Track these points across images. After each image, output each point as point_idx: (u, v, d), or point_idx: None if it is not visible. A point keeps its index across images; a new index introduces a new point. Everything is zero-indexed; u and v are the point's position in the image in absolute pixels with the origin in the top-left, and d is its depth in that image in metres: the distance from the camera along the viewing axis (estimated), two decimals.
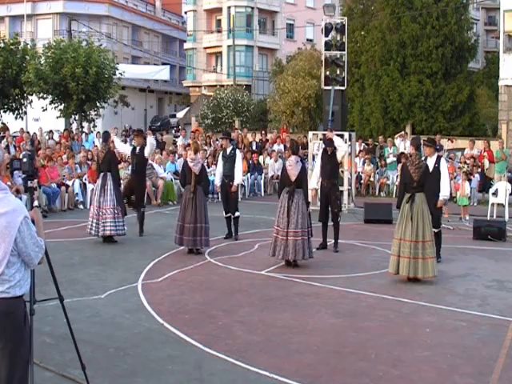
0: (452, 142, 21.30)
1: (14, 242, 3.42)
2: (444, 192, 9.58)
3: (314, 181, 10.73)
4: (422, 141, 9.89)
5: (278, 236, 9.00)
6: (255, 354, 5.64)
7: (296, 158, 9.22)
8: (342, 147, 10.93)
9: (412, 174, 8.34)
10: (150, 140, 11.91)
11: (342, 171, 16.24)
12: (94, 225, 10.71)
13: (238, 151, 11.68)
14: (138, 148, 11.87)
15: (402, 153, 18.41)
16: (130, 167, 16.02)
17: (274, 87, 34.48)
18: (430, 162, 9.59)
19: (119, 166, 16.76)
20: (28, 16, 45.37)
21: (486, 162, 18.09)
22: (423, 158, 9.73)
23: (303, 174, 9.20)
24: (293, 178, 9.08)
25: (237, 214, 11.40)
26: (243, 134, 22.39)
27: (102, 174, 10.97)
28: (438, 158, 9.74)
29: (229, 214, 11.44)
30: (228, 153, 11.40)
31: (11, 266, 3.45)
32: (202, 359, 5.50)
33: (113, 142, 13.21)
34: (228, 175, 11.31)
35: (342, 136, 15.47)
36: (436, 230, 9.59)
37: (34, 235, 3.52)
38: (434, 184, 9.41)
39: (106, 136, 11.68)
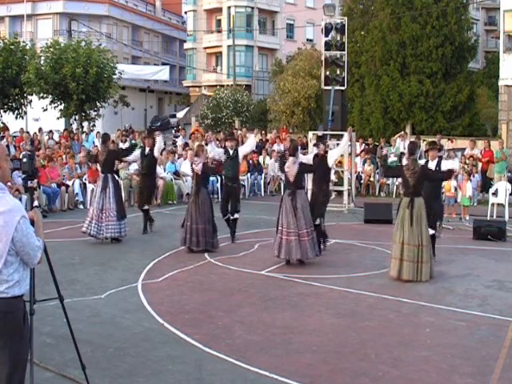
0: (452, 141, 21.28)
1: (11, 241, 3.42)
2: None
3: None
4: (420, 143, 9.92)
5: (283, 236, 8.97)
6: (255, 354, 5.64)
7: (294, 159, 9.24)
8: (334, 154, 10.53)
9: (408, 178, 8.43)
10: (159, 139, 11.91)
11: (342, 171, 16.27)
12: (95, 227, 10.67)
13: (238, 148, 11.55)
14: (147, 149, 11.92)
15: (402, 153, 18.39)
16: (129, 167, 16.11)
17: (274, 87, 34.48)
18: (432, 166, 9.63)
19: (119, 166, 16.82)
20: (28, 16, 45.38)
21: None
22: (425, 161, 9.77)
23: (302, 174, 9.25)
24: (291, 179, 9.12)
25: (236, 215, 11.27)
26: (242, 133, 22.35)
27: (102, 175, 10.97)
28: (439, 161, 9.77)
29: (227, 216, 11.27)
30: (231, 153, 11.25)
31: (9, 265, 3.45)
32: (202, 359, 5.50)
33: (113, 142, 13.21)
34: (231, 177, 11.18)
35: (341, 136, 15.51)
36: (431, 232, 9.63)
37: (31, 235, 3.52)
38: (436, 186, 9.45)
39: (105, 137, 11.65)
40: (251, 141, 12.10)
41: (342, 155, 15.67)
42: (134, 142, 21.29)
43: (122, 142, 21.71)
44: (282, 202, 9.24)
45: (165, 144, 13.86)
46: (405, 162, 8.88)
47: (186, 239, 10.04)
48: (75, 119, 25.31)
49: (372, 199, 17.36)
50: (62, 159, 16.37)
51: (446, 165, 9.69)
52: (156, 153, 11.88)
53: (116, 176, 11.53)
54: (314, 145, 11.98)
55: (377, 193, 19.21)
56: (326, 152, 10.40)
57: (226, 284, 8.17)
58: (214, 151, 11.49)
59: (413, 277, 8.21)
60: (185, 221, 10.17)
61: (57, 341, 5.80)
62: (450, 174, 9.21)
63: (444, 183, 12.41)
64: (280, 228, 9.10)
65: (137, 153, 12.14)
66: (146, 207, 12.05)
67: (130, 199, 16.03)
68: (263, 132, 24.07)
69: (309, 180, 14.58)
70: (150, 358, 5.48)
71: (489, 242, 11.27)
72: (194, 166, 10.37)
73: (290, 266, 9.13)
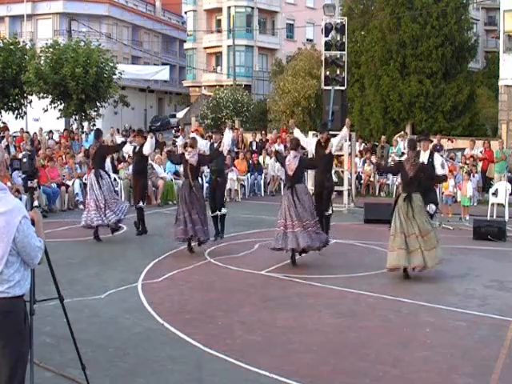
0: (452, 141, 21.28)
1: (12, 241, 3.42)
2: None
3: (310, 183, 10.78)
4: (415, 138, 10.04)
5: (288, 230, 8.82)
6: (255, 353, 5.64)
7: (294, 153, 9.24)
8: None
9: (408, 171, 8.47)
10: (151, 139, 11.88)
11: (342, 171, 16.28)
12: (96, 216, 10.72)
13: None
14: (137, 147, 11.92)
15: (403, 153, 18.40)
16: (129, 167, 16.12)
17: (273, 87, 34.48)
18: (424, 157, 9.67)
19: (120, 166, 16.84)
20: (28, 16, 45.41)
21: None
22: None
23: (302, 169, 9.27)
24: (290, 173, 9.13)
25: (223, 210, 11.20)
26: (239, 133, 22.31)
27: (93, 170, 11.08)
28: (432, 153, 9.81)
29: (216, 213, 11.17)
30: (216, 146, 11.15)
31: (10, 265, 3.45)
32: (202, 359, 5.50)
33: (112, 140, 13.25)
34: (221, 171, 11.33)
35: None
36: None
37: (33, 235, 3.52)
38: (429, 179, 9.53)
39: (97, 133, 11.70)
40: (225, 136, 11.93)
41: (342, 154, 15.73)
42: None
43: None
44: (282, 198, 9.25)
45: (158, 142, 13.82)
46: (405, 156, 8.95)
47: (185, 231, 9.84)
48: (75, 119, 25.32)
49: (372, 199, 17.35)
50: (62, 159, 16.37)
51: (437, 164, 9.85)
52: (145, 151, 11.88)
53: (107, 172, 11.60)
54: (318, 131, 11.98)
55: (377, 193, 19.22)
56: (328, 139, 10.42)
57: (226, 284, 8.17)
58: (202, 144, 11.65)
59: (419, 263, 8.20)
60: (178, 214, 10.02)
61: (57, 341, 5.80)
62: (443, 178, 9.31)
63: (443, 183, 12.44)
64: (283, 221, 8.95)
65: (129, 147, 12.20)
66: (140, 205, 11.99)
67: (130, 199, 16.00)
68: (263, 132, 24.07)
69: (309, 180, 14.60)
70: (150, 358, 5.48)
71: (489, 242, 11.26)
72: (187, 156, 10.13)
73: (289, 266, 9.12)
